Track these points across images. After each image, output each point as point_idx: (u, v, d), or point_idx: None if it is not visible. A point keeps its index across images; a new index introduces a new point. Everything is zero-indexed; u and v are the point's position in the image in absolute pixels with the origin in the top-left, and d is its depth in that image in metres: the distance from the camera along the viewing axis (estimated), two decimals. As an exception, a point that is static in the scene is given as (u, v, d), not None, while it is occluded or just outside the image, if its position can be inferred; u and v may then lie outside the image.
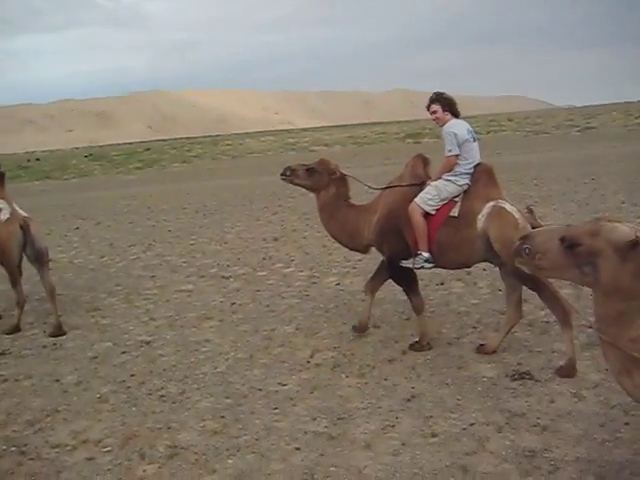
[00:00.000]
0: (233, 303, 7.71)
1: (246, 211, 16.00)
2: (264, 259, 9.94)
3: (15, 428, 4.89)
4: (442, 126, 5.66)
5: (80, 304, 8.31)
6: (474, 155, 5.53)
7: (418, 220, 5.47)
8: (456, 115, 5.69)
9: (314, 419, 4.65)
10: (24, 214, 7.24)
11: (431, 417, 4.55)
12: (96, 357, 6.31)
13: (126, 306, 8.06)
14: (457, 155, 5.47)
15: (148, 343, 6.59)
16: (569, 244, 2.76)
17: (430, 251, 5.51)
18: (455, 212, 5.42)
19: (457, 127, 5.56)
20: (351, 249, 6.49)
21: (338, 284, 8.27)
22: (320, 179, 6.18)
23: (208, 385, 5.41)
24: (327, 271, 8.89)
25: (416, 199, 5.53)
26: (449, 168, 5.50)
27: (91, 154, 62.04)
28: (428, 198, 5.49)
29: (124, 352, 6.38)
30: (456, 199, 5.48)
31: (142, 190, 25.48)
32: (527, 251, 2.96)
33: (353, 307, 7.23)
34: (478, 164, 5.52)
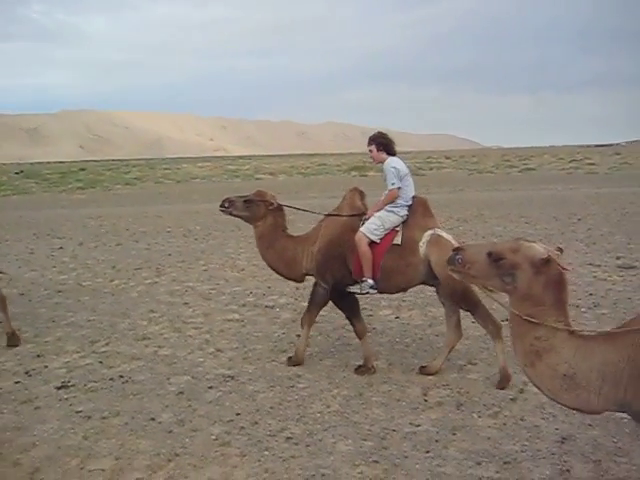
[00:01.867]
0: (298, 335, 7.30)
1: (240, 237, 15.51)
2: (297, 289, 9.55)
3: (138, 475, 4.35)
4: (378, 163, 6.19)
5: (123, 332, 7.72)
6: (411, 189, 6.05)
7: (365, 249, 5.84)
8: (392, 154, 6.13)
9: (479, 464, 4.34)
10: None
11: (600, 461, 4.31)
12: (182, 392, 5.79)
13: (178, 335, 7.53)
14: (399, 188, 5.93)
15: (232, 378, 6.10)
16: (495, 258, 3.29)
17: (374, 278, 5.87)
18: (398, 240, 5.88)
19: (397, 163, 6.03)
20: (287, 278, 6.63)
21: (397, 317, 7.99)
22: (257, 210, 6.34)
23: (333, 426, 5.00)
24: (376, 303, 8.57)
25: (362, 229, 5.90)
26: (391, 200, 5.94)
27: (22, 171, 60.19)
28: (374, 228, 5.88)
29: (211, 387, 5.89)
30: (397, 228, 5.94)
31: (102, 211, 24.67)
32: (459, 261, 3.47)
33: (431, 342, 6.97)
34: (414, 197, 6.03)
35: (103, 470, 4.41)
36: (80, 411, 5.44)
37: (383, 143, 6.11)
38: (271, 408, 5.38)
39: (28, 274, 11.44)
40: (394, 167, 5.96)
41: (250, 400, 5.56)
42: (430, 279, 5.88)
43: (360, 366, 6.12)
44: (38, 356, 6.85)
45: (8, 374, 6.34)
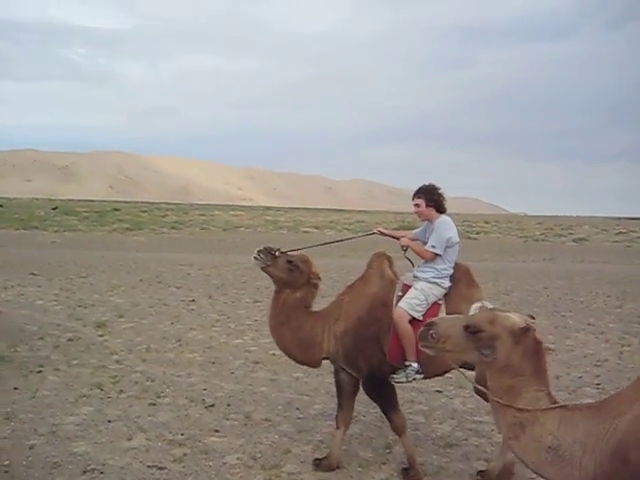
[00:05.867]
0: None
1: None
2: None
3: None
4: (424, 220, 5.42)
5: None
6: (455, 257, 5.30)
7: (406, 328, 4.96)
8: (442, 211, 5.36)
9: None
10: None
11: None
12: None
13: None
14: (437, 255, 5.19)
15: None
16: (473, 330, 3.23)
17: (418, 360, 4.99)
18: (443, 315, 5.05)
19: (451, 230, 5.28)
20: (300, 362, 5.51)
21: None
22: (298, 278, 5.28)
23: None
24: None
25: (402, 304, 5.05)
26: (423, 256, 5.24)
27: (56, 207, 60.69)
28: (416, 303, 5.07)
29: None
30: (439, 302, 5.18)
31: (181, 257, 24.13)
32: (432, 335, 3.36)
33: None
34: (455, 264, 5.29)
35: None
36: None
37: (434, 199, 5.30)
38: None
39: (204, 339, 9.52)
40: (445, 230, 5.21)
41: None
42: None
43: (405, 469, 5.09)
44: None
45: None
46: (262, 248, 5.36)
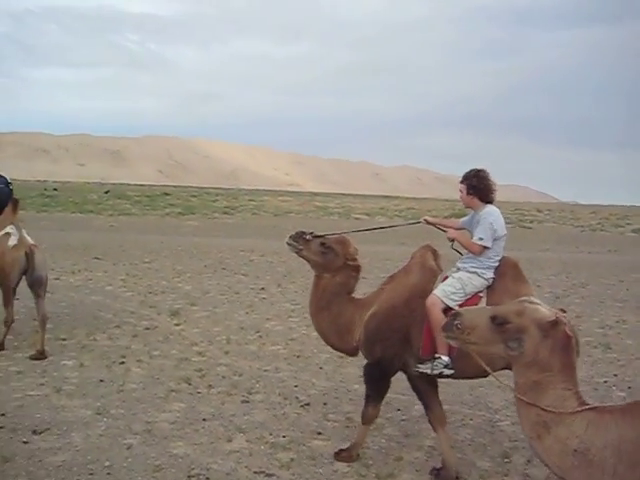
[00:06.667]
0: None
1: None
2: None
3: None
4: (467, 207, 5.11)
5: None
6: (502, 250, 4.94)
7: (438, 316, 4.57)
8: (485, 201, 4.96)
9: None
10: (31, 241, 7.56)
11: None
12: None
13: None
14: (486, 248, 4.81)
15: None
16: (500, 322, 3.09)
17: (449, 355, 4.63)
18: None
19: (497, 219, 4.92)
20: (337, 349, 5.44)
21: None
22: (333, 260, 5.13)
23: None
24: None
25: (436, 291, 4.74)
26: (471, 250, 4.87)
27: (108, 191, 61.39)
28: (452, 291, 4.73)
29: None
30: (480, 294, 4.80)
31: (240, 243, 23.99)
32: (458, 326, 3.21)
33: None
34: (502, 257, 4.92)
35: None
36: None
37: (476, 186, 4.92)
38: None
39: (284, 330, 9.26)
40: (492, 223, 4.83)
41: None
42: None
43: (342, 450, 4.94)
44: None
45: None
46: (294, 233, 5.27)
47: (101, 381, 6.48)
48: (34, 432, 5.11)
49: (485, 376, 4.71)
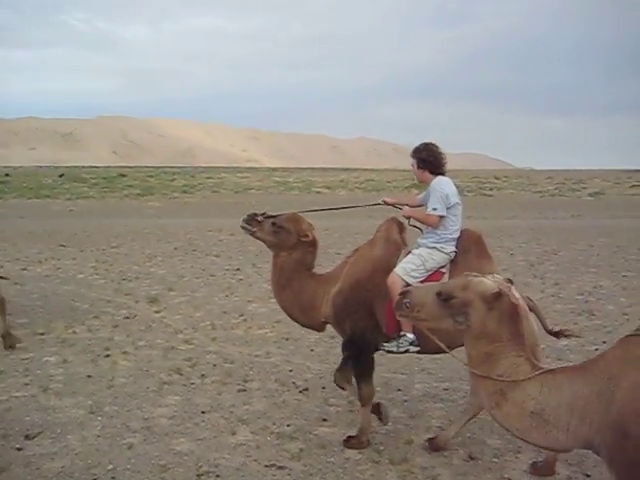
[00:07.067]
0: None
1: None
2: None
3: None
4: (421, 182, 5.07)
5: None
6: (459, 220, 4.89)
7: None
8: (436, 173, 4.95)
9: None
10: None
11: None
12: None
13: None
14: (441, 216, 4.77)
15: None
16: (445, 297, 3.15)
17: (414, 332, 4.60)
18: None
19: (447, 185, 4.88)
20: (303, 325, 5.46)
21: None
22: (287, 239, 5.16)
23: None
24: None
25: (396, 269, 4.70)
26: (426, 223, 4.87)
27: (62, 174, 60.07)
28: (411, 268, 4.69)
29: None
30: (442, 269, 4.79)
31: (211, 222, 23.50)
32: (407, 304, 3.27)
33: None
34: (465, 230, 4.90)
35: None
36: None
37: (426, 159, 4.92)
38: None
39: (268, 312, 8.82)
40: (442, 189, 4.79)
41: None
42: None
43: (351, 437, 4.85)
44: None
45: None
46: (246, 215, 5.29)
47: (89, 377, 6.21)
48: (27, 437, 4.85)
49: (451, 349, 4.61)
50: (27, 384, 6.01)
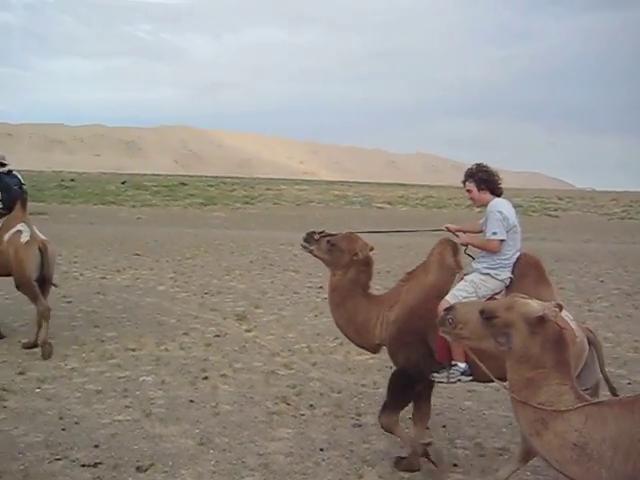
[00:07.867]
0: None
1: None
2: None
3: None
4: (479, 206, 4.87)
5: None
6: (518, 244, 4.64)
7: None
8: (497, 194, 4.74)
9: None
10: (42, 237, 7.64)
11: None
12: None
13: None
14: (502, 240, 4.52)
15: None
16: (487, 316, 3.06)
17: (466, 361, 4.42)
18: None
19: (505, 208, 4.62)
20: (359, 346, 5.40)
21: None
22: (340, 257, 5.13)
23: None
24: None
25: (448, 296, 4.53)
26: (487, 250, 4.59)
27: (125, 181, 61.08)
28: (463, 296, 4.49)
29: None
30: (497, 296, 4.51)
31: (280, 236, 23.04)
32: (450, 321, 3.21)
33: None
34: (522, 255, 4.64)
35: None
36: None
37: (485, 180, 4.72)
38: None
39: None
40: (500, 212, 4.54)
41: None
42: None
43: (401, 457, 4.76)
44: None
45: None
46: (305, 234, 5.36)
47: (191, 401, 5.86)
48: (138, 469, 4.52)
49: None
50: (128, 406, 5.71)
